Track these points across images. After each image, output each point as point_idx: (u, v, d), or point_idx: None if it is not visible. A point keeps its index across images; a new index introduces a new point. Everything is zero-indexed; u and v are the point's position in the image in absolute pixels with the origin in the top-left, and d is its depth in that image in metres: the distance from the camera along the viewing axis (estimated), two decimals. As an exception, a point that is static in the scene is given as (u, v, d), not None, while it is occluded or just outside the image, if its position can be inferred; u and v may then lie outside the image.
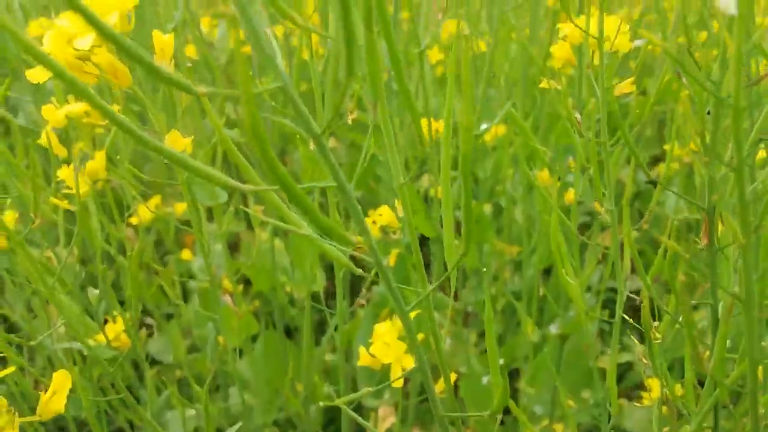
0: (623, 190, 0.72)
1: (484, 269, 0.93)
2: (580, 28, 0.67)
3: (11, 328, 1.79)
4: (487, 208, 1.80)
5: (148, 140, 0.44)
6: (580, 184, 1.02)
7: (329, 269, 1.67)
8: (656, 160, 2.46)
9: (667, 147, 1.47)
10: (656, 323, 0.65)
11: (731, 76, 0.35)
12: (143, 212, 1.56)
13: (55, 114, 0.87)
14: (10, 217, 0.90)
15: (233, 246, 2.20)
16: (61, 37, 0.61)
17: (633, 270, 2.29)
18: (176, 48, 1.38)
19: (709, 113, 0.52)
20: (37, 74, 0.62)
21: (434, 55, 1.63)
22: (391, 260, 1.19)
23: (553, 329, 1.36)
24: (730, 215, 0.49)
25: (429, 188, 1.54)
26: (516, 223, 1.71)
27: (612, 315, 0.82)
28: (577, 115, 0.71)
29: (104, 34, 0.40)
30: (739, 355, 0.53)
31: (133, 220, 1.64)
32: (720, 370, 0.50)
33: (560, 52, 0.75)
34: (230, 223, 1.77)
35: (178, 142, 0.72)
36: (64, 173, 0.88)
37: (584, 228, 2.03)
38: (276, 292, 1.41)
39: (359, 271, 0.61)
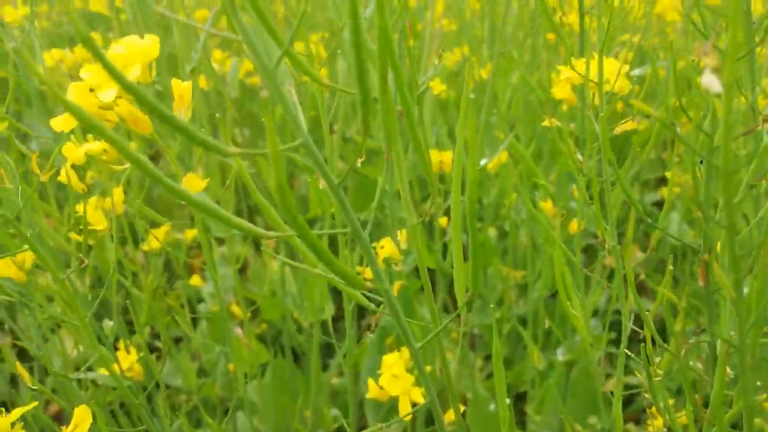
0: (629, 211, 0.75)
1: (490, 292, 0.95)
2: (579, 74, 0.70)
3: (22, 352, 1.81)
4: (492, 232, 1.82)
5: (172, 186, 0.47)
6: (582, 212, 1.04)
7: (336, 291, 1.69)
8: (661, 181, 2.48)
9: (668, 174, 1.49)
10: (659, 358, 0.67)
11: (721, 139, 0.37)
12: (154, 240, 1.59)
13: (74, 152, 0.90)
14: (28, 256, 0.93)
15: (241, 268, 2.23)
16: (85, 87, 0.64)
17: (640, 293, 2.30)
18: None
19: (702, 162, 0.55)
20: (64, 123, 0.66)
21: (437, 85, 1.67)
22: (394, 290, 1.21)
23: (560, 355, 1.37)
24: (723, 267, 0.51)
25: (431, 214, 1.57)
26: (521, 245, 1.73)
27: (619, 336, 0.84)
28: (579, 156, 0.74)
29: (135, 95, 0.43)
30: (736, 392, 0.55)
31: (144, 247, 1.67)
32: (719, 410, 0.52)
33: (561, 93, 0.78)
34: (241, 251, 1.80)
35: (194, 185, 0.75)
36: (83, 209, 0.91)
37: (589, 249, 2.05)
38: (285, 320, 1.43)
39: (372, 306, 0.63)
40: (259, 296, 1.37)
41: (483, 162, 1.20)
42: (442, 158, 1.22)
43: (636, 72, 1.67)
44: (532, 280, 1.62)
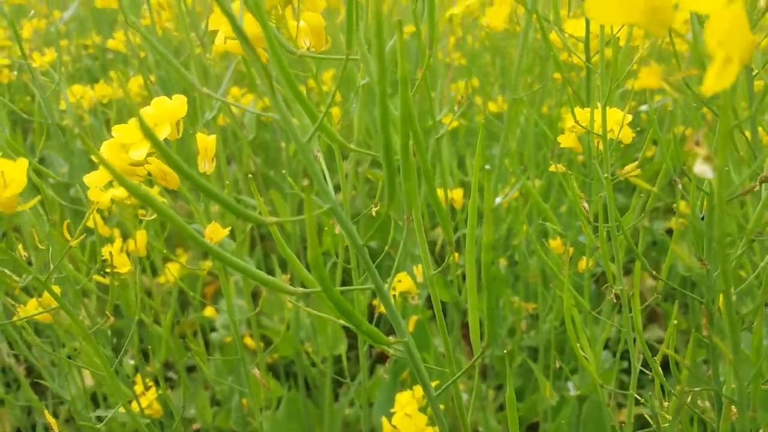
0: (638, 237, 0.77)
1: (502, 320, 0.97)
2: (583, 127, 0.73)
3: (36, 382, 1.84)
4: (503, 262, 1.84)
5: (199, 239, 0.50)
6: (591, 251, 1.07)
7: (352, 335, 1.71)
8: (670, 209, 2.50)
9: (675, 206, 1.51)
10: (667, 403, 0.68)
11: (717, 216, 0.40)
12: (170, 271, 1.63)
13: (101, 196, 0.94)
14: (55, 290, 0.96)
15: (254, 295, 2.26)
16: (116, 145, 0.68)
17: (651, 319, 2.30)
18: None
19: (702, 218, 0.57)
20: (98, 178, 0.69)
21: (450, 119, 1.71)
22: (410, 326, 1.23)
23: (571, 390, 1.38)
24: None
25: (442, 246, 1.60)
26: (531, 276, 1.74)
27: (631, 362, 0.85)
28: (585, 204, 0.76)
29: (179, 171, 0.46)
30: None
31: (161, 279, 1.70)
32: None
33: (567, 141, 0.81)
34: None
35: (217, 233, 0.78)
36: (108, 252, 0.94)
37: (601, 277, 2.06)
38: (299, 354, 1.45)
39: (390, 351, 0.66)
40: (274, 332, 1.39)
41: (498, 200, 1.22)
42: (453, 195, 1.25)
43: (643, 108, 1.70)
44: (543, 311, 1.64)
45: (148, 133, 0.51)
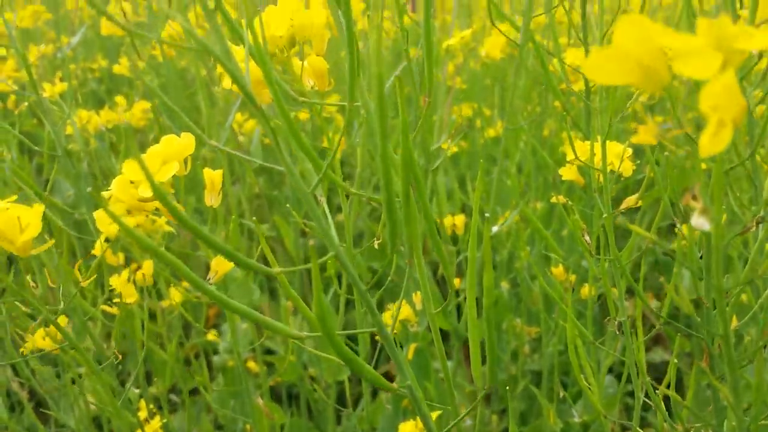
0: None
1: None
2: (583, 162, 0.74)
3: (40, 405, 1.84)
4: (505, 285, 1.85)
5: (202, 285, 0.51)
6: (594, 278, 1.07)
7: (353, 342, 1.71)
8: (673, 228, 2.50)
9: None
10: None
11: (714, 264, 0.41)
12: (174, 295, 1.63)
13: (108, 226, 0.95)
14: (62, 320, 0.97)
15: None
16: (126, 181, 0.70)
17: (656, 341, 2.29)
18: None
19: (701, 257, 0.58)
20: (106, 223, 0.71)
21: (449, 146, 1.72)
22: (409, 354, 1.24)
23: (576, 416, 1.38)
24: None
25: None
26: (534, 299, 1.75)
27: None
28: (586, 237, 0.77)
29: (171, 212, 0.48)
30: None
31: (164, 303, 1.71)
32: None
33: (568, 174, 0.82)
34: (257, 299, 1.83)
35: (222, 266, 0.79)
36: (115, 282, 0.95)
37: (604, 299, 2.06)
38: (302, 379, 1.45)
39: (394, 388, 0.66)
40: (278, 359, 1.40)
41: (495, 229, 1.24)
42: (454, 221, 1.26)
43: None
44: (546, 334, 1.64)
45: (159, 194, 0.53)
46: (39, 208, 0.59)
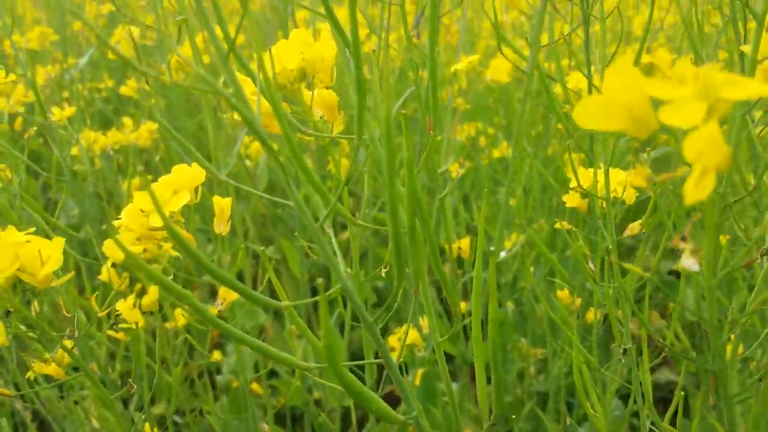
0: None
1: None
2: (585, 191, 0.75)
3: (43, 424, 1.84)
4: (510, 305, 1.84)
5: (215, 321, 0.52)
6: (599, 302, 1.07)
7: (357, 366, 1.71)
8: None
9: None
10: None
11: (708, 304, 0.42)
12: (178, 317, 1.64)
13: (115, 252, 0.96)
14: (68, 344, 0.97)
15: (259, 332, 2.26)
16: (136, 210, 0.71)
17: (663, 361, 2.28)
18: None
19: (703, 298, 0.59)
20: (115, 252, 0.71)
21: (454, 168, 1.74)
22: (416, 379, 1.24)
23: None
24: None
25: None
26: (540, 319, 1.74)
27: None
28: (590, 265, 0.78)
29: (180, 244, 0.48)
30: None
31: (169, 325, 1.71)
32: None
33: (572, 201, 0.83)
34: (262, 320, 1.83)
35: (230, 294, 0.80)
36: (122, 307, 0.96)
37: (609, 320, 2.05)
38: (307, 405, 1.45)
39: (400, 419, 0.66)
40: (284, 384, 1.39)
41: (503, 255, 1.24)
42: (460, 245, 1.26)
43: (654, 154, 1.73)
44: (552, 356, 1.63)
45: (172, 232, 0.53)
46: (59, 242, 0.60)
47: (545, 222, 1.86)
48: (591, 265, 0.77)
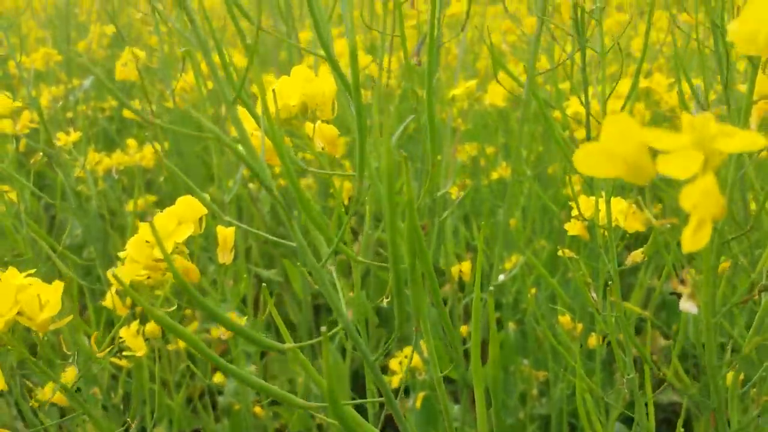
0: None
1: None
2: (585, 219, 0.76)
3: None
4: (512, 326, 1.84)
5: (221, 363, 0.52)
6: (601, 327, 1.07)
7: (360, 388, 1.70)
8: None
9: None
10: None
11: (706, 342, 0.42)
12: (179, 342, 1.64)
13: (120, 273, 0.97)
14: (71, 374, 0.98)
15: (262, 353, 2.25)
16: (141, 242, 0.71)
17: (663, 382, 2.27)
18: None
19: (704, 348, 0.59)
20: (124, 274, 0.72)
21: (455, 191, 1.75)
22: (417, 403, 1.23)
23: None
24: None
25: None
26: (542, 340, 1.74)
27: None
28: (593, 294, 0.78)
29: (178, 280, 0.49)
30: None
31: (171, 347, 1.71)
32: None
33: (573, 229, 0.84)
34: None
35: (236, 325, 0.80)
36: (125, 333, 0.96)
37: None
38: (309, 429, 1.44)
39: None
40: (286, 411, 1.39)
41: (501, 278, 1.25)
42: (461, 268, 1.27)
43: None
44: (554, 379, 1.63)
45: (178, 279, 0.54)
46: (58, 286, 0.60)
47: (546, 242, 1.86)
48: (593, 294, 0.78)
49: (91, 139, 2.62)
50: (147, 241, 0.73)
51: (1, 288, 0.57)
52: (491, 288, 0.82)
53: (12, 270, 0.62)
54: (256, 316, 1.92)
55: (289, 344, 0.45)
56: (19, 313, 0.60)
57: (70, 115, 2.57)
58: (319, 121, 0.69)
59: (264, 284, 0.84)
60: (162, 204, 2.20)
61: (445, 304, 1.91)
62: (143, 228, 0.72)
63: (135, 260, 0.71)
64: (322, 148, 0.72)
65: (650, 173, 0.37)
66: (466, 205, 2.39)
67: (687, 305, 0.36)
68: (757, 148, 0.32)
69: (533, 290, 1.73)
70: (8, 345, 0.60)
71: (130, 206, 2.04)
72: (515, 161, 1.11)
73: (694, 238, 0.33)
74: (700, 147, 0.34)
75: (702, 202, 0.33)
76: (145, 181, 2.33)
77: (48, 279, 1.25)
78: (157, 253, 0.69)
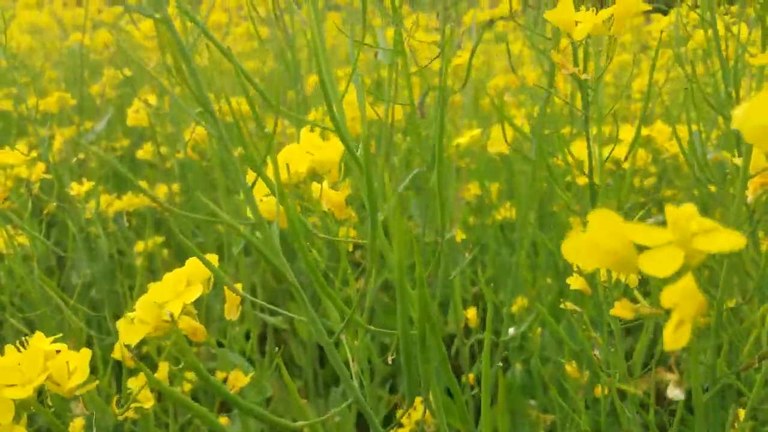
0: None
1: None
2: (586, 276, 0.77)
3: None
4: (519, 366, 1.83)
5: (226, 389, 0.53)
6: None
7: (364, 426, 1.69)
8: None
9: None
10: None
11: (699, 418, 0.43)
12: (186, 384, 1.64)
13: (128, 335, 0.98)
14: (78, 425, 0.98)
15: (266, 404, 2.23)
16: (150, 302, 0.73)
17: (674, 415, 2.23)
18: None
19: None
20: (132, 335, 0.73)
21: (460, 234, 1.76)
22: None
23: None
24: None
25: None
26: (549, 380, 1.72)
27: None
28: (596, 352, 0.79)
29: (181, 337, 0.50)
30: None
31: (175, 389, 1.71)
32: None
33: (576, 283, 0.85)
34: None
35: (239, 380, 0.81)
36: (133, 384, 0.97)
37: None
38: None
39: None
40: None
41: (511, 331, 1.25)
42: (467, 315, 1.27)
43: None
44: (561, 421, 1.61)
45: (187, 357, 0.55)
46: (86, 354, 0.62)
47: (552, 279, 1.86)
48: (596, 352, 0.78)
49: (102, 179, 2.66)
50: (155, 303, 0.74)
51: (29, 353, 0.59)
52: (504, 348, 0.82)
53: (38, 334, 0.64)
54: (262, 354, 1.92)
55: (300, 423, 0.46)
56: (47, 379, 0.61)
57: (82, 156, 2.62)
58: (326, 185, 0.71)
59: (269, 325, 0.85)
60: (169, 244, 2.22)
61: (452, 342, 1.91)
62: (153, 289, 0.74)
63: (144, 321, 0.72)
64: (330, 211, 0.74)
65: (636, 266, 0.38)
66: (473, 243, 2.40)
67: (674, 393, 0.37)
68: (737, 248, 0.33)
69: (539, 330, 1.72)
70: (35, 410, 0.61)
71: (139, 247, 2.07)
72: (518, 215, 1.12)
73: (675, 336, 0.34)
74: (681, 245, 0.36)
75: (682, 302, 0.34)
76: (154, 220, 2.36)
77: (55, 323, 1.25)
78: (166, 315, 0.71)
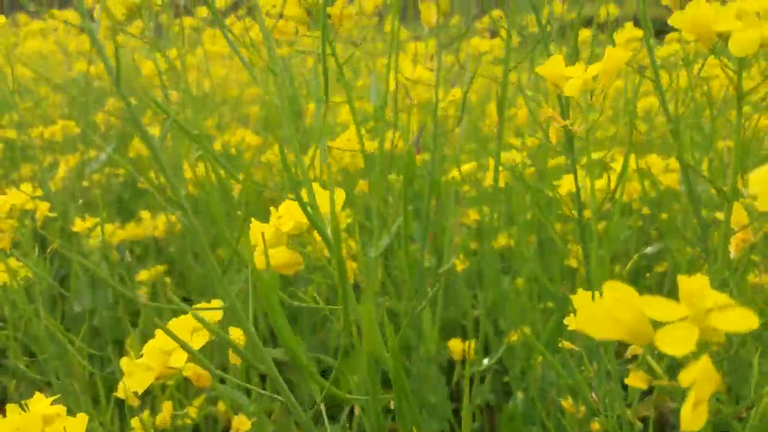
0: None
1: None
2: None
3: None
4: (520, 395, 1.83)
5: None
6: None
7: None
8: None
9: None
10: None
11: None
12: (191, 411, 1.64)
13: (135, 384, 0.99)
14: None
15: (268, 414, 2.22)
16: (156, 350, 0.75)
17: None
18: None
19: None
20: (137, 384, 0.75)
21: (460, 262, 1.78)
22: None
23: None
24: None
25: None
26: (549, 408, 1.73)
27: None
28: (593, 396, 0.80)
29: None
30: None
31: (179, 422, 1.71)
32: None
33: (573, 324, 0.86)
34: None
35: (243, 424, 0.83)
36: (136, 424, 0.98)
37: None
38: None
39: None
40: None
41: (485, 362, 1.26)
42: (464, 347, 1.28)
43: (649, 250, 1.77)
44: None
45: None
46: (83, 419, 0.63)
47: (552, 303, 1.87)
48: (594, 396, 0.80)
49: (105, 207, 2.68)
50: (161, 350, 0.76)
51: (28, 418, 0.60)
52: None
53: (38, 396, 0.65)
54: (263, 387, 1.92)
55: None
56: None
57: (86, 183, 2.65)
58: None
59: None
60: (172, 273, 2.24)
61: (452, 371, 1.91)
62: (159, 336, 0.76)
63: (150, 368, 0.74)
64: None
65: (650, 337, 0.39)
66: (471, 270, 2.41)
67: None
68: (751, 328, 0.34)
69: (539, 359, 1.72)
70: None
71: (142, 276, 2.08)
72: (516, 247, 1.14)
73: (693, 415, 0.35)
74: (696, 321, 0.37)
75: (699, 382, 0.35)
76: (156, 248, 2.38)
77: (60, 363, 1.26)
78: (173, 363, 0.73)
